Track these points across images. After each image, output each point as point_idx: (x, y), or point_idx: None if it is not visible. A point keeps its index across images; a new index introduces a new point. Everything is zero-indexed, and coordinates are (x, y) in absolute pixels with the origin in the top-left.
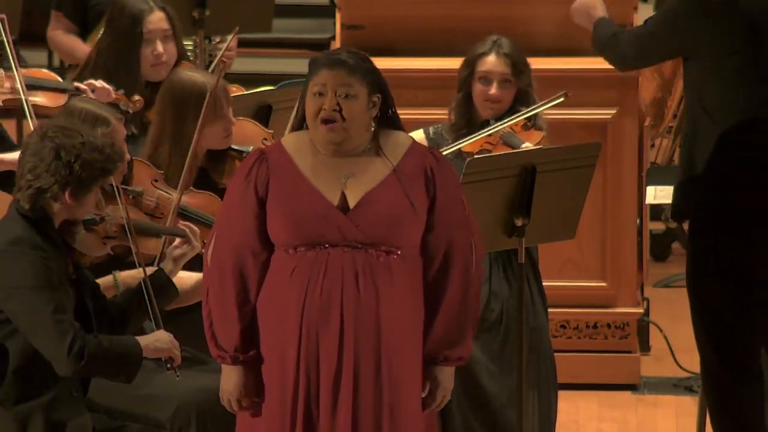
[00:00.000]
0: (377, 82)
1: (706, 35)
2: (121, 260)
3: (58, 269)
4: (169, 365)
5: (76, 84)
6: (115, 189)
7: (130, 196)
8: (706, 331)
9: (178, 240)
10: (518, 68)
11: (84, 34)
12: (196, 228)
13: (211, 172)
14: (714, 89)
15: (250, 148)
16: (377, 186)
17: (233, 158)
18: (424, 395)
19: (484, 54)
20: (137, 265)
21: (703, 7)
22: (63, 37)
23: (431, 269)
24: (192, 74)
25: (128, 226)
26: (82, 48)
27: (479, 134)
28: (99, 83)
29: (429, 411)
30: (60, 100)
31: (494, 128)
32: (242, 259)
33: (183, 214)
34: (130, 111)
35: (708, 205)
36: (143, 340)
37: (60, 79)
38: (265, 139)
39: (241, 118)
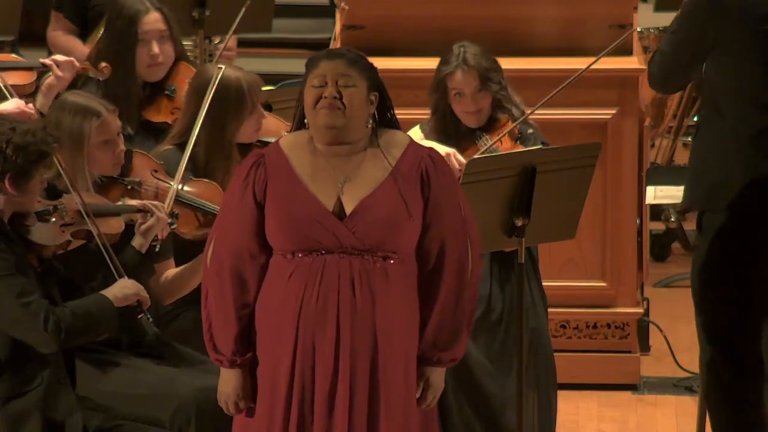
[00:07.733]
0: (375, 80)
1: (722, 36)
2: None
3: (16, 261)
4: (139, 310)
5: (42, 60)
6: (62, 173)
7: (129, 187)
8: (710, 329)
9: (140, 215)
10: (486, 78)
11: (84, 34)
12: (156, 202)
13: None
14: (727, 89)
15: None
16: (374, 191)
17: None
18: (418, 396)
19: (451, 73)
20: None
21: (720, 8)
22: (63, 38)
23: (424, 270)
24: (226, 72)
25: (84, 209)
26: (81, 49)
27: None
28: (61, 57)
29: (420, 409)
30: (29, 77)
31: (487, 147)
32: (240, 261)
33: (181, 201)
34: (101, 79)
35: (715, 203)
36: (109, 292)
37: (24, 59)
38: (287, 131)
39: None
